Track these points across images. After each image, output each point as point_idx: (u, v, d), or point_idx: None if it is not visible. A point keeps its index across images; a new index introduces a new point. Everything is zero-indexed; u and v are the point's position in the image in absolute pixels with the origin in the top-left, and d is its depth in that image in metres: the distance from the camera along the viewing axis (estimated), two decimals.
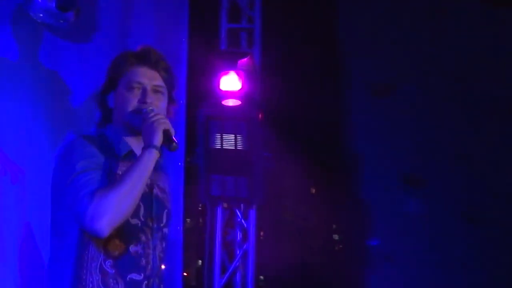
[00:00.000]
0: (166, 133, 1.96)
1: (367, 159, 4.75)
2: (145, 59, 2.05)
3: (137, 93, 2.02)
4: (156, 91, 2.04)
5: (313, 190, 5.26)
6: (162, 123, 1.96)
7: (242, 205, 4.35)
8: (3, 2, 3.22)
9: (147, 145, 1.95)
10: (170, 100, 2.10)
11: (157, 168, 2.04)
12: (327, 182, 4.87)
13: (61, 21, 3.32)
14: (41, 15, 3.30)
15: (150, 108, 1.99)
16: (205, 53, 4.08)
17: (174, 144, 1.96)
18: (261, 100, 4.15)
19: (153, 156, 1.95)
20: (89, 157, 1.95)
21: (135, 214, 1.97)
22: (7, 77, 3.23)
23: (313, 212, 5.02)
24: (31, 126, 3.24)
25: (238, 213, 4.39)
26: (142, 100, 2.01)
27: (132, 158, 2.02)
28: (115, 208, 1.88)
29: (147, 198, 2.02)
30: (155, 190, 2.06)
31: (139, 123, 2.00)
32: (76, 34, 3.45)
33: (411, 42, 4.60)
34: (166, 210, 2.08)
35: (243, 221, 4.38)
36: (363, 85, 4.70)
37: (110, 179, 1.95)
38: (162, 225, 2.06)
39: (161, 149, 1.97)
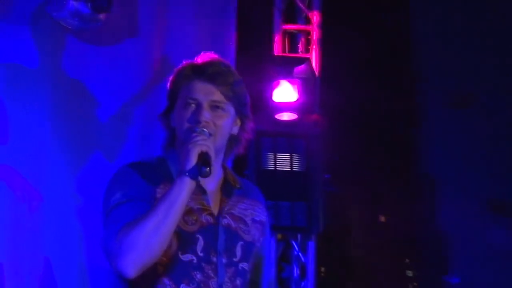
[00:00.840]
0: (202, 156, 1.85)
1: (444, 181, 4.55)
2: (201, 71, 1.97)
3: (192, 110, 1.96)
4: (214, 107, 1.95)
5: (383, 219, 5.17)
6: (199, 145, 1.86)
7: (299, 235, 4.14)
8: (21, 2, 2.90)
9: (180, 172, 1.86)
10: (243, 117, 2.02)
11: (231, 193, 2.01)
12: (399, 209, 4.74)
13: (91, 22, 2.97)
14: (66, 16, 2.97)
15: (202, 129, 1.91)
16: (255, 58, 3.89)
17: (206, 169, 1.84)
18: (320, 113, 3.94)
19: (184, 184, 1.84)
20: (128, 186, 1.91)
21: (189, 249, 1.92)
22: (24, 87, 2.99)
23: (383, 244, 4.87)
24: (51, 144, 3.10)
25: (295, 245, 4.16)
26: (195, 118, 1.93)
27: None
28: (141, 245, 1.81)
29: (210, 229, 1.95)
30: (226, 220, 1.98)
31: None
32: (106, 37, 3.15)
33: (496, 46, 4.28)
34: (241, 243, 1.99)
35: (300, 254, 4.15)
36: (440, 94, 4.58)
37: None
38: (236, 259, 1.97)
39: (196, 174, 1.85)
